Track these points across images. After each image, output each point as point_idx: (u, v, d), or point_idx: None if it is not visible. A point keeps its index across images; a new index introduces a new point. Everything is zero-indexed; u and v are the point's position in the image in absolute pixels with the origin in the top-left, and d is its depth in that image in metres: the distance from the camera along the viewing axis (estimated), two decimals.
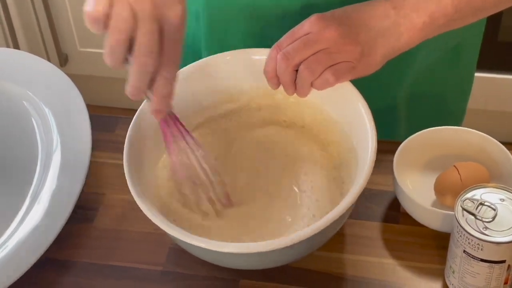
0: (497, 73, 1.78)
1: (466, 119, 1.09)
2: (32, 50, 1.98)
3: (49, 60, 2.03)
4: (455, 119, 1.07)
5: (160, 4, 0.66)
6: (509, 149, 0.84)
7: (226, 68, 0.84)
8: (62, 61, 1.99)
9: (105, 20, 0.66)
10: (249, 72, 0.84)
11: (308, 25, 0.76)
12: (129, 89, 0.69)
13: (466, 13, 0.79)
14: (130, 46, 0.67)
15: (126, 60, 0.68)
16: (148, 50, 0.66)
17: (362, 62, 0.77)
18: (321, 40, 0.76)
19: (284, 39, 0.78)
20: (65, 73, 0.96)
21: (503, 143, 0.84)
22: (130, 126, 0.79)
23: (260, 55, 0.81)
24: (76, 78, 0.97)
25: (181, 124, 0.76)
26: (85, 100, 0.93)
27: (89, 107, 0.92)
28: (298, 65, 0.77)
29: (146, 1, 0.66)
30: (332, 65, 0.76)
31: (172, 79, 0.70)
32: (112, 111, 1.92)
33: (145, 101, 0.82)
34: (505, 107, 1.85)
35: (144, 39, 0.66)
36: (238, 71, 0.84)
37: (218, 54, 0.84)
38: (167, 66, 0.69)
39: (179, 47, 0.69)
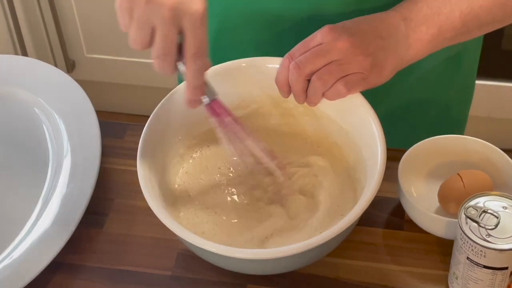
0: (500, 81, 1.79)
1: (470, 127, 1.10)
2: (40, 56, 1.99)
3: (56, 66, 2.04)
4: (458, 126, 1.08)
5: (178, 2, 0.69)
6: None
7: (239, 75, 0.86)
8: (69, 67, 2.00)
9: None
10: (262, 80, 0.85)
11: (320, 35, 0.78)
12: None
13: (473, 27, 0.80)
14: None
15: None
16: (162, 53, 0.71)
17: (373, 73, 0.78)
18: (333, 50, 0.77)
19: (297, 48, 0.79)
20: (73, 79, 0.98)
21: (507, 150, 0.85)
22: (144, 129, 0.81)
23: (274, 64, 0.82)
24: (83, 84, 0.98)
25: (227, 111, 0.78)
26: (93, 106, 0.95)
27: (96, 113, 0.94)
28: (310, 75, 0.78)
29: (164, 5, 0.68)
30: (344, 76, 0.78)
31: (200, 71, 0.73)
32: (118, 117, 1.93)
33: (159, 105, 0.83)
34: (509, 115, 1.86)
35: (159, 44, 0.70)
36: (251, 79, 0.86)
37: (234, 61, 0.86)
38: (193, 59, 0.72)
39: (203, 38, 0.72)
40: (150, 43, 0.71)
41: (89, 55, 2.00)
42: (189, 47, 0.71)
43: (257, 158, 0.80)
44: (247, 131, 0.79)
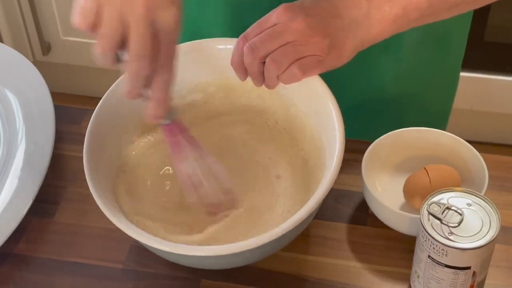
0: (483, 73, 1.76)
1: (452, 119, 1.07)
2: (14, 39, 1.95)
3: (31, 48, 2.00)
4: (440, 120, 1.04)
5: (153, 7, 0.64)
6: (492, 151, 0.82)
7: (192, 58, 0.82)
8: (45, 49, 1.96)
9: (93, 29, 0.65)
10: (215, 62, 0.81)
11: (275, 15, 0.74)
12: (125, 92, 0.68)
13: (440, 8, 0.76)
14: (123, 45, 0.65)
15: (119, 60, 0.66)
16: (140, 55, 0.65)
17: (331, 55, 0.75)
18: (288, 31, 0.73)
19: (251, 29, 0.75)
20: (48, 62, 0.94)
21: (488, 144, 0.82)
22: (91, 119, 0.78)
23: (225, 45, 0.79)
24: (58, 67, 0.95)
25: (186, 132, 0.74)
26: (67, 89, 0.91)
27: (71, 96, 0.90)
28: (265, 57, 0.74)
29: (138, 5, 0.63)
30: (299, 58, 0.74)
31: (167, 83, 0.68)
32: (94, 102, 1.89)
33: (105, 94, 0.80)
34: (491, 108, 1.84)
35: (136, 44, 0.64)
36: (204, 61, 0.82)
37: (183, 44, 0.82)
38: (162, 70, 0.67)
39: (174, 49, 0.67)
40: (119, 47, 0.65)
41: (65, 38, 1.95)
42: (161, 55, 0.65)
43: (217, 181, 0.76)
44: (205, 152, 0.75)
